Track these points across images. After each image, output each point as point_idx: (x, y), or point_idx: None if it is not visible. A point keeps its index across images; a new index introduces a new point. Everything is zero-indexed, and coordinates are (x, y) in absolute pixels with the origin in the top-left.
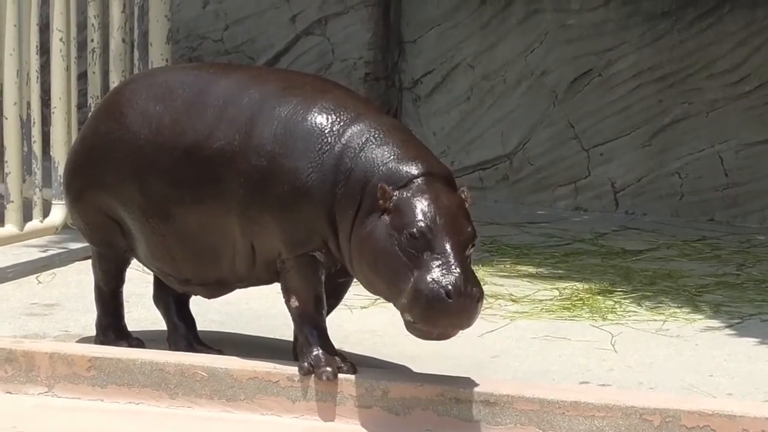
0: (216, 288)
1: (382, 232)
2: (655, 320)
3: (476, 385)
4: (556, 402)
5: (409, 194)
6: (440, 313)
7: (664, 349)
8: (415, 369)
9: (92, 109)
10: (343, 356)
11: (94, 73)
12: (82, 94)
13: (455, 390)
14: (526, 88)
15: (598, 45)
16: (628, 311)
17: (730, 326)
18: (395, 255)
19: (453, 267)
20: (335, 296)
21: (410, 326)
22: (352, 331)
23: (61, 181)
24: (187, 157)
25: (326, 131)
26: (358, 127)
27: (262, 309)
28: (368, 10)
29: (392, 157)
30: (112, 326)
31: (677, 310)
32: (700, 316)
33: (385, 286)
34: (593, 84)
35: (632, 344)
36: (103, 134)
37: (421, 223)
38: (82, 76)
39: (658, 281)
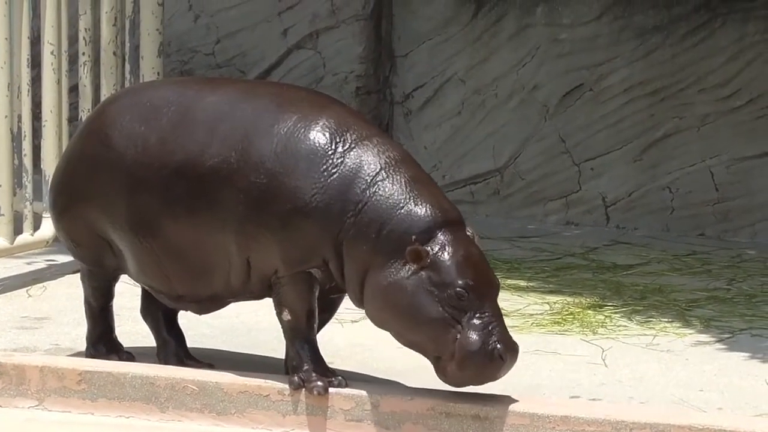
0: (209, 304)
1: (418, 288)
2: (645, 335)
3: (467, 399)
4: (547, 416)
5: (442, 250)
6: (490, 373)
7: (654, 364)
8: (406, 383)
9: (76, 132)
10: (333, 371)
11: (85, 86)
12: (74, 107)
13: (446, 404)
14: (518, 102)
15: (589, 59)
16: (619, 326)
17: (720, 341)
18: (437, 312)
19: (500, 327)
20: (329, 311)
21: (444, 374)
22: (342, 345)
23: (47, 202)
24: (178, 175)
25: (330, 153)
26: (366, 155)
27: (252, 323)
28: (360, 24)
29: (409, 200)
30: (102, 340)
31: (668, 325)
32: (691, 331)
33: (422, 340)
34: (584, 98)
35: (623, 359)
36: (89, 157)
37: (464, 282)
38: (74, 90)
39: (648, 296)
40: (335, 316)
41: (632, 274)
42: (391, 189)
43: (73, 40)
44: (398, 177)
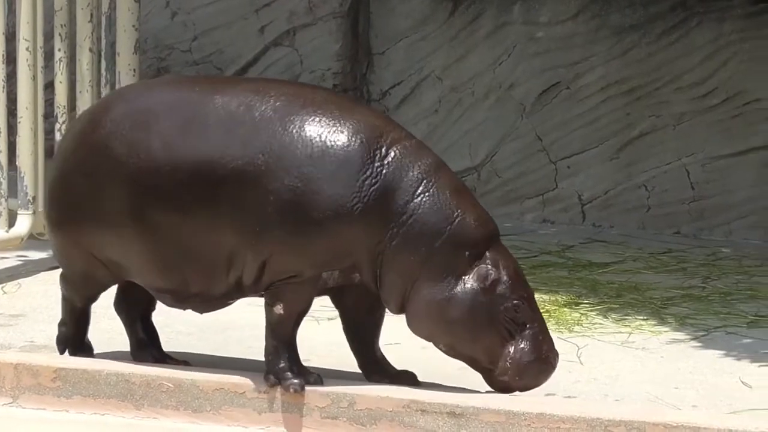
0: (217, 302)
1: (476, 303)
2: (621, 332)
3: (442, 396)
4: (522, 414)
5: (496, 265)
6: (544, 378)
7: (629, 362)
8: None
9: (68, 143)
10: (308, 369)
11: (61, 82)
12: (49, 103)
13: (421, 401)
14: (495, 100)
15: (566, 58)
16: (595, 323)
17: (695, 338)
18: (495, 326)
19: (549, 337)
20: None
21: (499, 384)
22: (319, 342)
23: (44, 216)
24: (195, 178)
25: (368, 160)
26: (405, 162)
27: (228, 320)
28: (337, 21)
29: (459, 213)
30: (77, 341)
31: (643, 323)
32: (666, 329)
33: (477, 353)
34: (561, 97)
35: (598, 356)
36: (90, 169)
37: (519, 295)
38: (49, 86)
39: (624, 293)
40: (311, 313)
41: (608, 272)
42: (439, 201)
43: (48, 36)
44: (442, 188)
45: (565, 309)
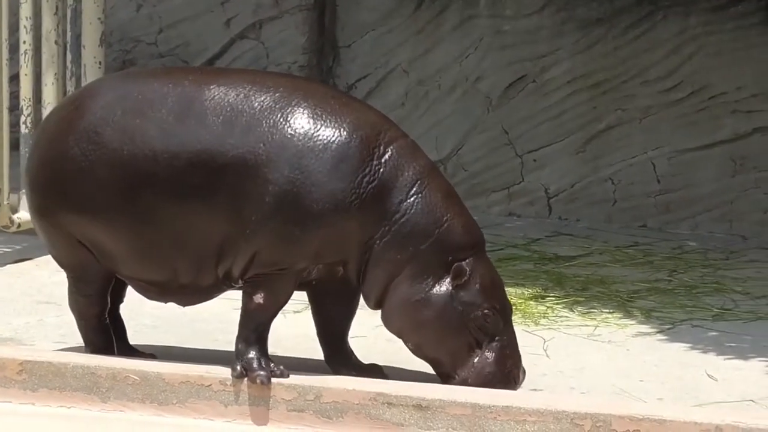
0: (204, 294)
1: (448, 306)
2: (587, 325)
3: (408, 389)
4: (488, 407)
5: (475, 271)
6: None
7: (595, 354)
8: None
9: (51, 130)
10: (275, 362)
11: (26, 74)
12: (14, 96)
13: (388, 394)
14: (461, 93)
15: (532, 51)
16: (561, 316)
17: (661, 332)
18: (463, 332)
19: (515, 351)
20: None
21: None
22: (285, 335)
23: (27, 205)
24: (192, 166)
25: (367, 157)
26: (401, 162)
27: (194, 313)
28: (303, 14)
29: (448, 218)
30: (112, 353)
31: (609, 316)
32: (632, 322)
33: (442, 356)
34: (527, 90)
35: (564, 349)
36: (78, 156)
37: (491, 305)
38: (14, 78)
39: (590, 287)
40: None
41: (574, 265)
42: (431, 203)
43: (13, 28)
44: (435, 191)
45: (531, 302)
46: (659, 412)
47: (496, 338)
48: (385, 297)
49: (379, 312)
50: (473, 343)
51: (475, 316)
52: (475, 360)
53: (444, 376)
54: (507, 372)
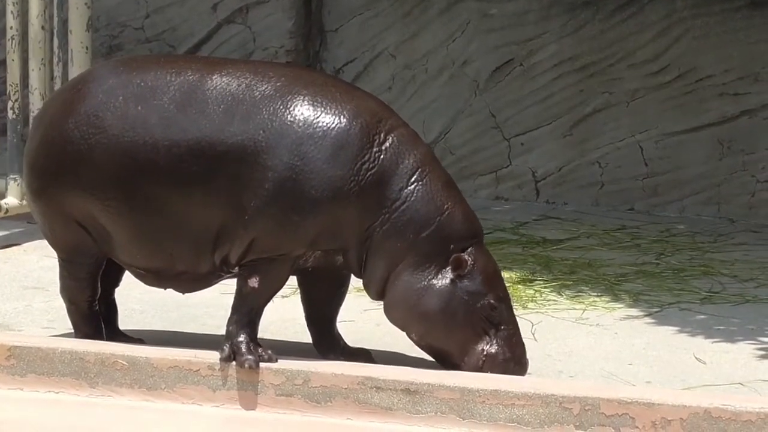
0: (202, 281)
1: (453, 295)
2: (575, 309)
3: (397, 373)
4: (477, 391)
5: (478, 261)
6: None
7: (583, 338)
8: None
9: (52, 113)
10: (264, 347)
11: (13, 60)
12: (1, 81)
13: (376, 378)
14: (448, 77)
15: (519, 35)
16: (549, 300)
17: (649, 315)
18: (470, 321)
19: (522, 342)
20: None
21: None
22: (273, 319)
23: (24, 185)
24: (192, 153)
25: (367, 144)
26: (401, 150)
27: (182, 298)
28: None
29: (449, 206)
30: (101, 339)
31: (597, 299)
32: (620, 305)
33: (449, 346)
34: (514, 74)
35: (552, 333)
36: (77, 138)
37: (496, 294)
38: (1, 64)
39: (578, 270)
40: None
41: (562, 248)
42: (431, 192)
43: (0, 13)
44: (435, 179)
45: (519, 286)
46: (648, 396)
47: (502, 327)
48: (387, 287)
49: (366, 296)
50: (481, 332)
51: (482, 306)
52: (486, 348)
53: (449, 365)
54: (518, 359)
